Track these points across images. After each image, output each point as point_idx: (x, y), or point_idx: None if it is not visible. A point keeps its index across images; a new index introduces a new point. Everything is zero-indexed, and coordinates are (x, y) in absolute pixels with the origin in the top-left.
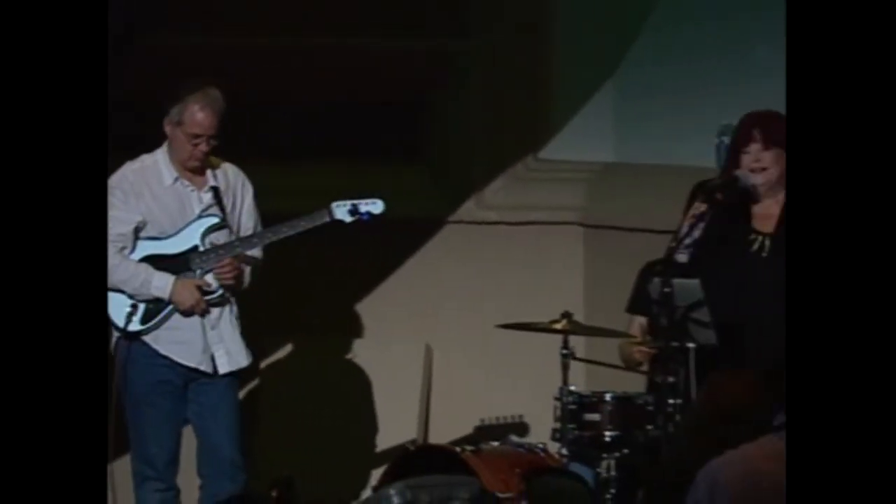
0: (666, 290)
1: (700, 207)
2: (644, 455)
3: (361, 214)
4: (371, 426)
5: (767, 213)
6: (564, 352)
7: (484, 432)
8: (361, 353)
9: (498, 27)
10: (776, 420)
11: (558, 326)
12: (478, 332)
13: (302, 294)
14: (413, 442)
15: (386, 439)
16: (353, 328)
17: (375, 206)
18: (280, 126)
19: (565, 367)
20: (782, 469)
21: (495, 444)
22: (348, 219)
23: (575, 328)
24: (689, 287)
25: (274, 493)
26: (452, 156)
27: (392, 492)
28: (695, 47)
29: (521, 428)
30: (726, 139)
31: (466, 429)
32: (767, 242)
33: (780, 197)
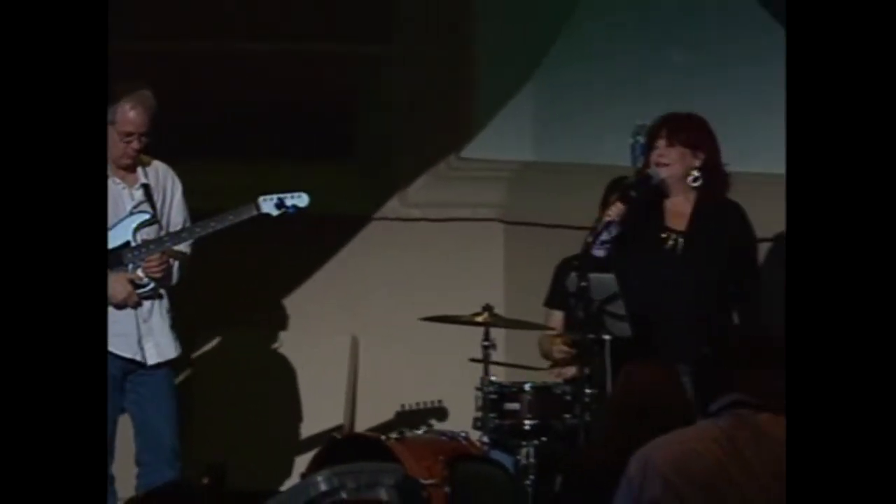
0: (582, 284)
1: (616, 204)
2: (562, 443)
3: (287, 207)
4: (299, 416)
5: (680, 211)
6: (485, 343)
7: (405, 418)
8: (289, 345)
9: (421, 29)
10: (712, 407)
11: (479, 319)
12: (402, 325)
13: (233, 289)
14: (339, 430)
15: (313, 428)
16: (282, 321)
17: (301, 200)
18: (211, 126)
19: (486, 358)
20: (717, 451)
21: (419, 432)
22: (275, 212)
23: (495, 321)
24: (604, 281)
25: (205, 481)
26: (378, 155)
27: (319, 478)
28: (612, 48)
29: (441, 413)
30: (641, 139)
31: (391, 418)
32: (681, 240)
33: (691, 196)
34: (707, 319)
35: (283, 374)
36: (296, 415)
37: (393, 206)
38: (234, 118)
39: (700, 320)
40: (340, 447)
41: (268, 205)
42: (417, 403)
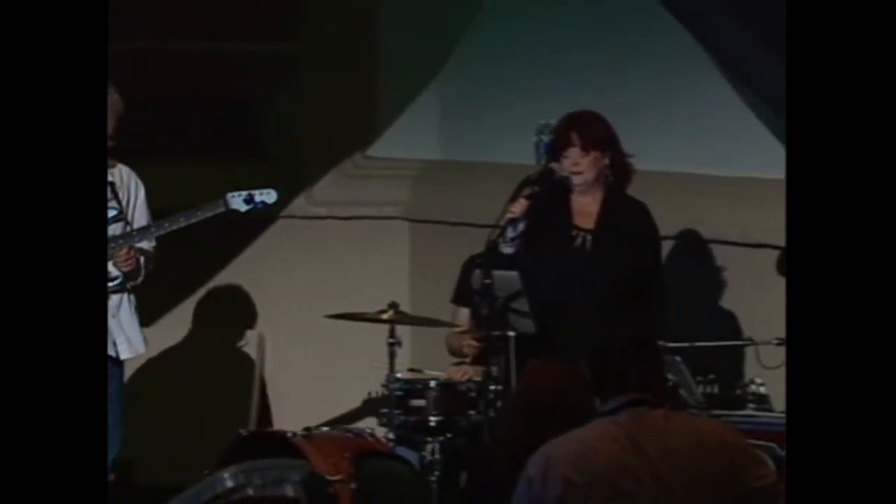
0: (486, 281)
1: (519, 201)
2: (467, 439)
3: (256, 203)
4: (206, 412)
5: (587, 210)
6: (391, 341)
7: (312, 415)
8: (197, 342)
9: (328, 29)
10: (608, 406)
11: (385, 316)
12: (308, 322)
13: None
14: (246, 427)
15: (220, 425)
16: (188, 319)
17: (269, 196)
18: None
19: (392, 356)
20: (615, 449)
21: (325, 429)
22: (243, 208)
23: (401, 318)
24: (508, 279)
25: (112, 477)
26: (284, 153)
27: (225, 475)
28: (515, 47)
29: (347, 410)
30: (545, 137)
31: (298, 414)
32: (588, 238)
33: (599, 195)
34: (611, 316)
35: (190, 371)
36: (202, 412)
37: (299, 205)
38: (142, 118)
39: (604, 317)
40: (247, 444)
41: (236, 201)
42: (323, 400)
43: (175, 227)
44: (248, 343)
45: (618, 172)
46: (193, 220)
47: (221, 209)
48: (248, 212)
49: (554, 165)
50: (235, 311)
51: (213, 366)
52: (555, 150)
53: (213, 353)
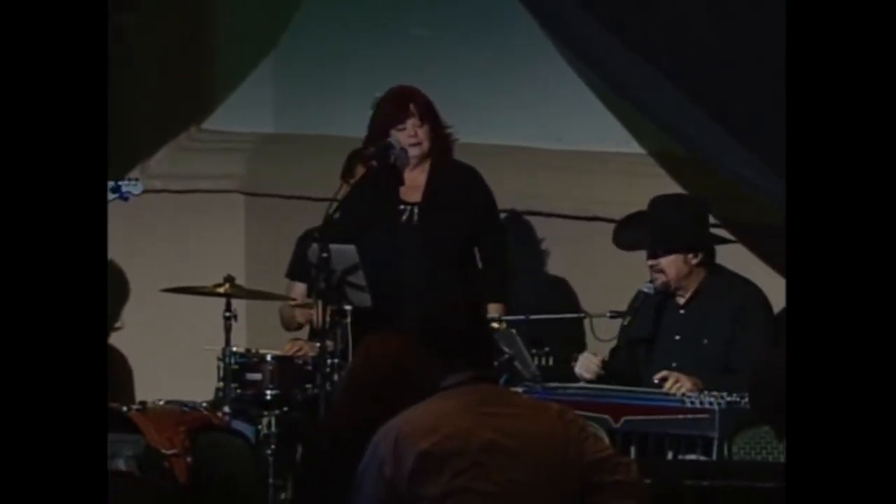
0: (323, 255)
1: (355, 176)
2: (303, 413)
3: (122, 193)
4: None
5: (415, 184)
6: (227, 314)
7: (147, 389)
8: None
9: (163, 1)
10: (448, 381)
11: (221, 290)
12: (144, 296)
13: None
14: None
15: None
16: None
17: (136, 188)
18: None
19: (228, 329)
20: (463, 422)
21: (160, 402)
22: (110, 197)
23: (237, 291)
24: (345, 252)
25: None
26: (118, 126)
27: None
28: (350, 21)
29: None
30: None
31: (133, 388)
32: (416, 211)
33: (426, 166)
34: (445, 288)
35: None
36: None
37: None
38: None
39: (439, 290)
40: None
41: None
42: (159, 375)
43: None
44: None
45: (441, 144)
46: None
47: None
48: (111, 201)
49: (392, 140)
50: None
51: None
52: (387, 122)
53: None
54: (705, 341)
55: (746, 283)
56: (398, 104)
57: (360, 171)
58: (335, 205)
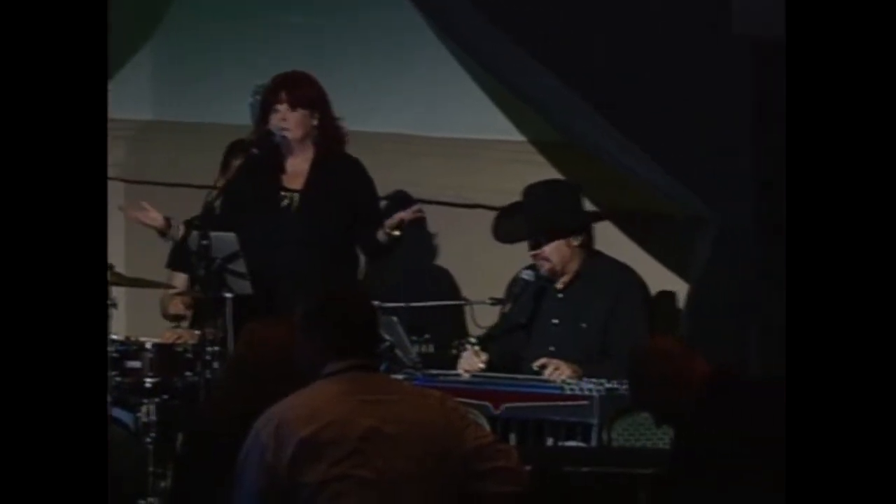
0: (204, 242)
1: (236, 164)
2: (183, 400)
3: None
4: None
5: (297, 171)
6: (107, 303)
7: None
8: None
9: None
10: (329, 368)
11: None
12: None
13: None
14: None
15: None
16: None
17: None
18: None
19: (107, 318)
20: (344, 410)
21: None
22: None
23: (117, 280)
24: (225, 240)
25: None
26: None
27: None
28: (228, 9)
29: None
30: (260, 98)
31: None
32: (296, 198)
33: (309, 155)
34: (326, 276)
35: None
36: None
37: None
38: None
39: (320, 277)
40: None
41: None
42: None
43: None
44: None
45: (327, 133)
46: None
47: None
48: None
49: (273, 127)
50: None
51: None
52: (264, 108)
53: None
54: (583, 325)
55: (624, 268)
56: (273, 89)
57: (236, 160)
58: (214, 193)
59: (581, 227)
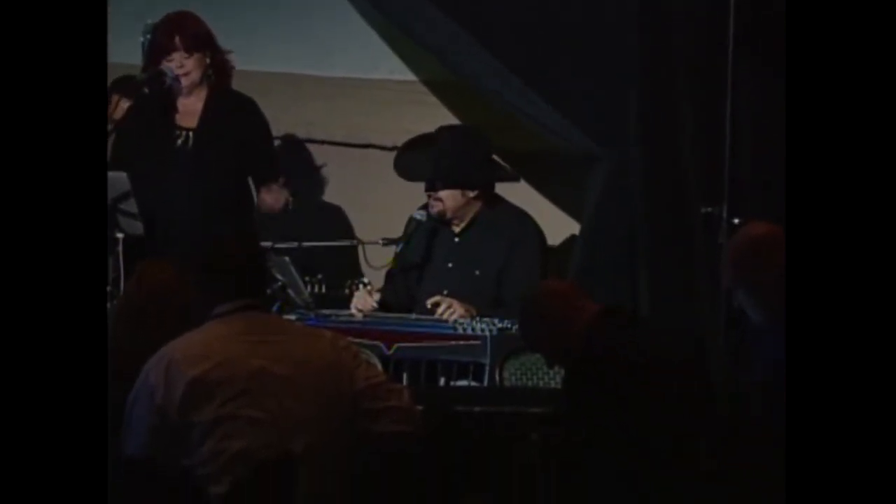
0: None
1: (123, 102)
2: None
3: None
4: None
5: (190, 109)
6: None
7: None
8: None
9: None
10: (219, 309)
11: None
12: None
13: None
14: None
15: None
16: None
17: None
18: None
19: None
20: (234, 350)
21: None
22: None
23: None
24: (116, 180)
25: None
26: None
27: None
28: None
29: None
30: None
31: None
32: (190, 136)
33: (203, 94)
34: (218, 216)
35: None
36: None
37: None
38: None
39: (212, 217)
40: None
41: None
42: None
43: None
44: None
45: (218, 70)
46: None
47: None
48: None
49: (165, 67)
50: None
51: None
52: (157, 51)
53: None
54: (477, 272)
55: (522, 214)
56: (166, 34)
57: (118, 101)
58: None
59: (484, 184)
